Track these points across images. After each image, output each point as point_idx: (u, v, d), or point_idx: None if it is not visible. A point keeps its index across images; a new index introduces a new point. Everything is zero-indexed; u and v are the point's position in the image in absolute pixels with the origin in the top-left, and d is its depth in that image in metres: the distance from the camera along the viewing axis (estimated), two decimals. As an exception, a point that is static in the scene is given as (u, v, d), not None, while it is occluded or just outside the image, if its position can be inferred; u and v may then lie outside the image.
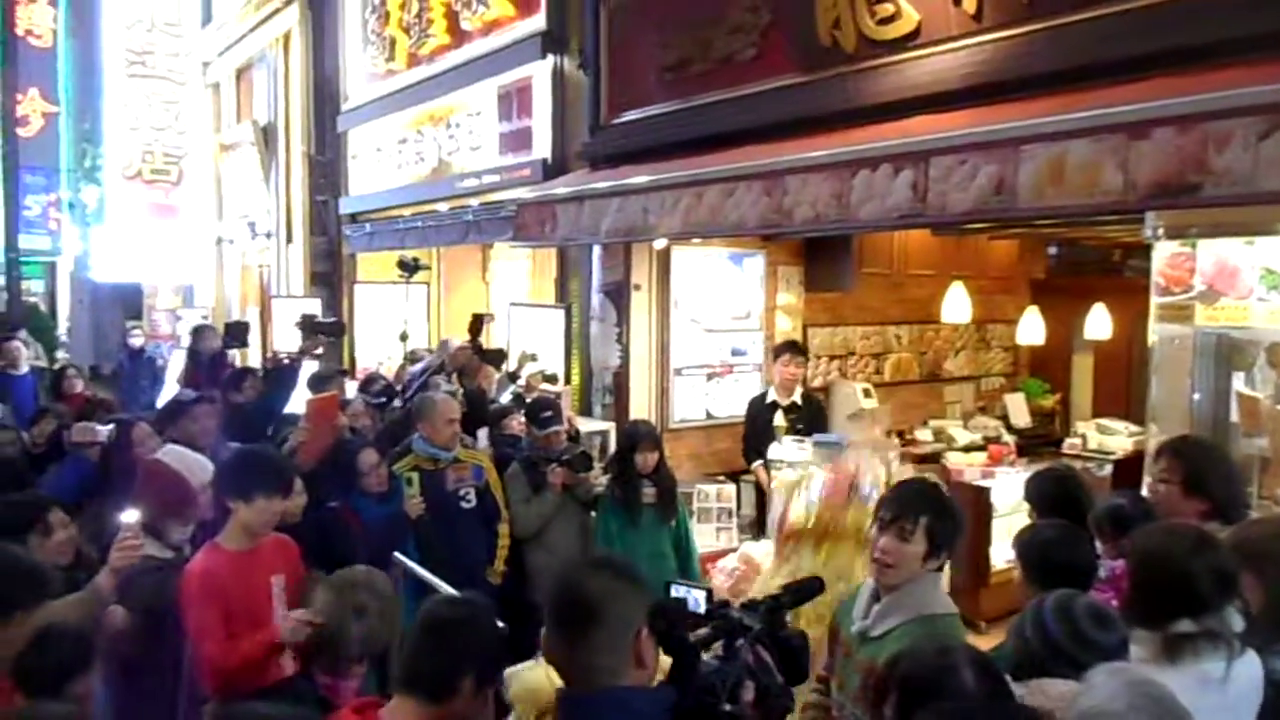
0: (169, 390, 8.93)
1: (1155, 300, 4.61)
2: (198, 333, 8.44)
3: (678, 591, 2.11)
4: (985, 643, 6.08)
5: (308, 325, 7.59)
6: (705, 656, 1.95)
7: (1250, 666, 2.33)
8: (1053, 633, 2.10)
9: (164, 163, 15.86)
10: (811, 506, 4.15)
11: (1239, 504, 3.16)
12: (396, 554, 3.49)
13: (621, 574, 1.88)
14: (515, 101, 7.88)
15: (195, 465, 3.78)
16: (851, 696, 2.55)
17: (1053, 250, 8.84)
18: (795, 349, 6.44)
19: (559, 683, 1.87)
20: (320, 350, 7.40)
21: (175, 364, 10.06)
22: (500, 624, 2.14)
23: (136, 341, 12.14)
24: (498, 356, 6.55)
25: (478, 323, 7.08)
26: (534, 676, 2.93)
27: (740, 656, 1.97)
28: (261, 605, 3.33)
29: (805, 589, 2.42)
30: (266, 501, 3.31)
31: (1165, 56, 3.56)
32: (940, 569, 2.59)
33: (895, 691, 1.89)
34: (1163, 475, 3.17)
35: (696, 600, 2.09)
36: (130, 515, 3.13)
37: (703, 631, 2.00)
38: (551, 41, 7.29)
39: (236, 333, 8.30)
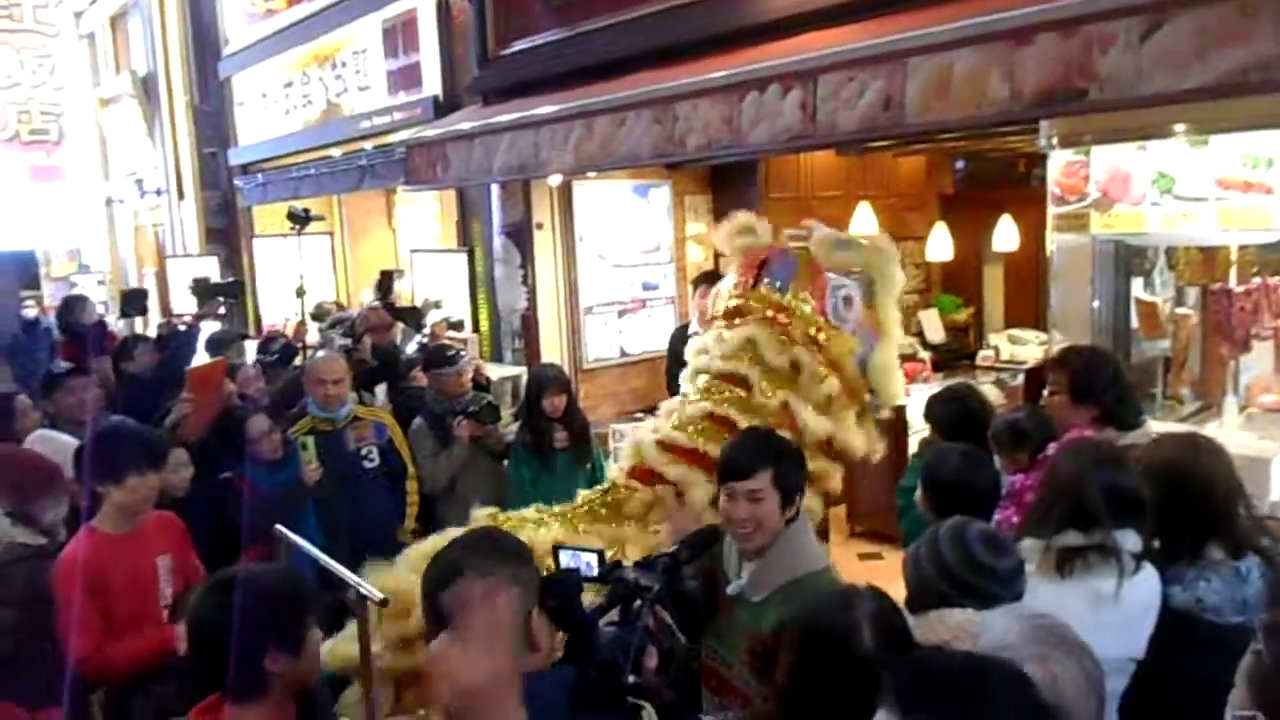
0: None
1: (1052, 210, 4.59)
2: (71, 303, 7.97)
3: (566, 558, 1.97)
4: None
5: (203, 288, 7.26)
6: (602, 624, 1.84)
7: (1145, 588, 2.32)
8: (948, 561, 2.06)
9: (42, 122, 14.94)
10: (720, 296, 3.80)
11: (1128, 407, 3.16)
12: (279, 528, 3.32)
13: (501, 551, 1.68)
14: (401, 36, 7.53)
15: (63, 447, 3.57)
16: (739, 659, 2.46)
17: (959, 165, 8.84)
18: (714, 279, 6.29)
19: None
20: (223, 311, 7.10)
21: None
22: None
23: (30, 313, 11.54)
24: (412, 314, 6.33)
25: (387, 280, 6.85)
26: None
27: (640, 621, 1.86)
28: (147, 589, 3.19)
29: (701, 540, 2.35)
30: (139, 479, 3.12)
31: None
32: (798, 515, 2.47)
33: (796, 650, 1.84)
34: (1053, 386, 3.19)
35: (589, 564, 1.96)
36: (-20, 511, 2.91)
37: (598, 599, 1.89)
38: (434, -30, 6.95)
39: (134, 301, 7.91)
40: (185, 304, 9.00)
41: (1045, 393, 3.29)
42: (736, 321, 3.48)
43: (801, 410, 3.21)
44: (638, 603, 1.90)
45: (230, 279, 7.91)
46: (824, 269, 3.45)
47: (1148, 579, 2.35)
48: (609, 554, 2.32)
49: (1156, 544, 2.45)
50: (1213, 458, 2.52)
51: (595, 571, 1.97)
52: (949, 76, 3.27)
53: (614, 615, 1.92)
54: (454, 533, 2.46)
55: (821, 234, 3.58)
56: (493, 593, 1.56)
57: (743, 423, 3.16)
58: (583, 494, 3.58)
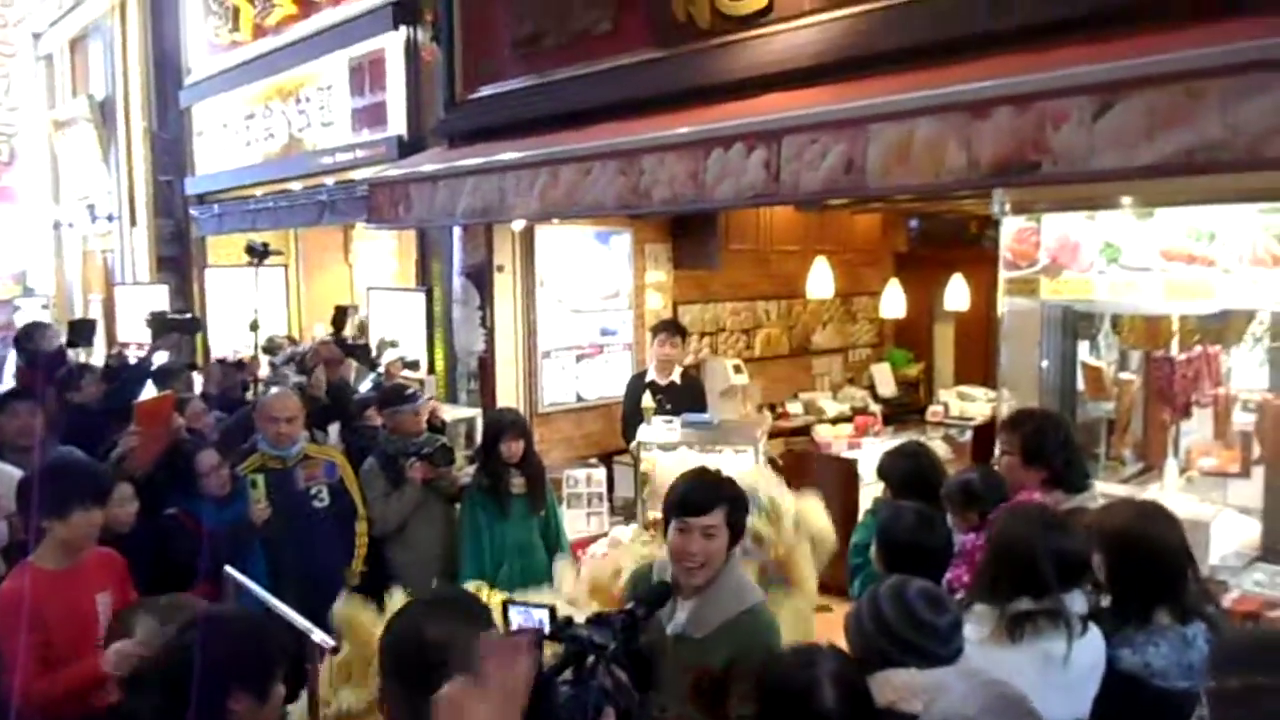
0: (7, 386, 8.27)
1: (1003, 274, 4.72)
2: (31, 330, 7.78)
3: (517, 613, 1.96)
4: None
5: (159, 322, 7.13)
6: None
7: (1091, 649, 2.37)
8: (889, 618, 2.09)
9: (-7, 141, 14.73)
10: None
11: (1076, 471, 3.24)
12: (227, 569, 3.26)
13: (463, 611, 1.71)
14: (368, 75, 7.54)
15: (6, 477, 3.47)
16: (679, 698, 2.48)
17: (913, 224, 9.05)
18: (673, 328, 6.37)
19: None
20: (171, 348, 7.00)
21: (12, 359, 9.34)
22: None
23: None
24: (364, 352, 6.28)
25: (341, 315, 6.78)
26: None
27: (595, 680, 1.85)
28: (86, 627, 3.10)
29: (657, 596, 2.37)
30: (84, 514, 3.07)
31: (1009, 34, 3.59)
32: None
33: (757, 703, 1.88)
34: (1004, 447, 3.28)
35: (540, 621, 1.95)
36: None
37: (552, 658, 1.87)
38: (403, 12, 6.98)
39: (82, 332, 7.72)
40: (133, 333, 8.86)
41: (997, 453, 3.37)
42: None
43: None
44: (590, 659, 1.88)
45: (188, 315, 7.76)
46: None
47: (1093, 640, 2.41)
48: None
49: (1105, 604, 2.51)
50: (1165, 525, 2.58)
51: (547, 628, 1.95)
52: (909, 143, 3.36)
53: (567, 674, 1.91)
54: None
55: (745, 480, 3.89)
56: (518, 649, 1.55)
57: None
58: None
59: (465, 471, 4.93)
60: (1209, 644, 2.42)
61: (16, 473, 3.76)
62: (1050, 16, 3.49)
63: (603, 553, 5.02)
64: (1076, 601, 2.36)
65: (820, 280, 7.92)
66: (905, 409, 8.56)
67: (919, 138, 3.32)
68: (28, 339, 7.59)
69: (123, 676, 2.84)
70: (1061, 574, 2.34)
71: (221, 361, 6.97)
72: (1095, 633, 2.41)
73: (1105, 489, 3.48)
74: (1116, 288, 4.35)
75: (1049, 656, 2.30)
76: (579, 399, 6.99)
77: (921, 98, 3.35)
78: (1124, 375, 5.03)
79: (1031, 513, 2.55)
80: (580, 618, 2.21)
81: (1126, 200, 4.22)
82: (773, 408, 7.92)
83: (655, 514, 4.45)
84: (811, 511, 4.19)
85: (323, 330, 9.78)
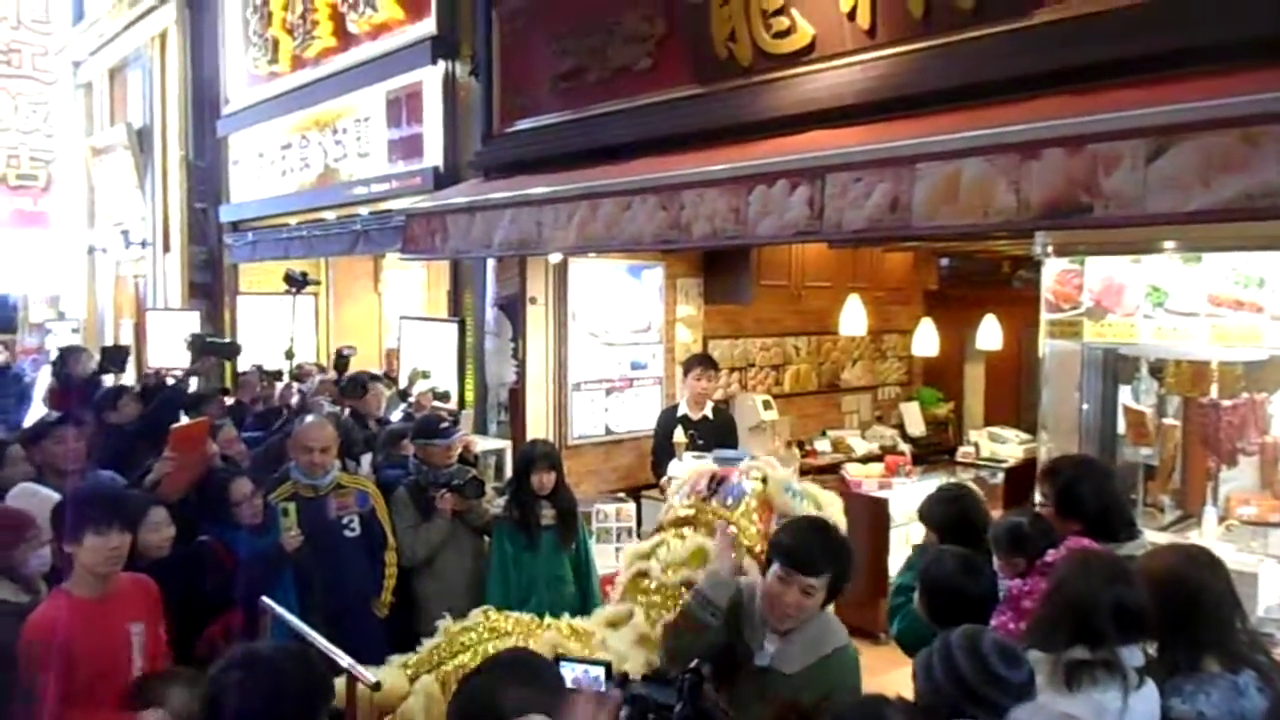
0: (36, 410, 8.35)
1: (1045, 316, 4.68)
2: (67, 354, 7.88)
3: (570, 669, 1.90)
4: (885, 653, 6.15)
5: (199, 345, 7.19)
6: None
7: (1147, 701, 2.32)
8: (963, 672, 2.07)
9: (31, 167, 15.00)
10: (673, 506, 4.21)
11: (1115, 520, 3.18)
12: (265, 599, 3.23)
13: (533, 678, 1.63)
14: (405, 108, 7.62)
15: (45, 502, 3.47)
16: None
17: (945, 262, 9.01)
18: (707, 362, 6.34)
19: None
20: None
21: (43, 381, 9.44)
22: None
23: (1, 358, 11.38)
24: (358, 391, 6.25)
25: (342, 360, 6.84)
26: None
27: None
28: (118, 656, 3.07)
29: (720, 653, 2.39)
30: (99, 539, 3.00)
31: (1058, 75, 3.58)
32: None
33: None
34: (1043, 498, 3.30)
35: (595, 679, 1.89)
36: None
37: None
38: (442, 46, 7.07)
39: (115, 358, 7.79)
40: (164, 358, 8.94)
41: (1038, 501, 3.33)
42: (685, 531, 3.87)
43: None
44: (650, 717, 1.85)
45: (228, 340, 7.82)
46: (773, 507, 3.84)
47: (1149, 694, 2.35)
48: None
49: (1153, 653, 2.45)
50: (1212, 570, 2.54)
51: (603, 687, 1.91)
52: (956, 183, 3.34)
53: None
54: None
55: (778, 474, 4.00)
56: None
57: None
58: None
59: (495, 503, 4.90)
60: (1261, 693, 2.37)
61: (55, 497, 3.77)
62: (1099, 58, 3.47)
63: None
64: (1134, 656, 2.31)
65: (853, 317, 7.88)
66: (934, 449, 8.47)
67: (967, 178, 3.30)
68: (63, 363, 7.68)
69: None
70: (1120, 626, 2.29)
71: (259, 369, 7.00)
72: (1151, 686, 2.36)
73: (1152, 539, 3.41)
74: (1162, 332, 4.30)
75: (1104, 709, 2.25)
76: (608, 432, 6.97)
77: (971, 137, 3.33)
78: (1167, 420, 4.95)
79: (1096, 562, 2.50)
80: (635, 673, 2.19)
81: (1171, 245, 4.18)
82: (801, 444, 7.86)
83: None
84: (831, 505, 4.12)
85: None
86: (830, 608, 2.76)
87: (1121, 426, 4.85)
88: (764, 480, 3.98)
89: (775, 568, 2.57)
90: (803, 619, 2.56)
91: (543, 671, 1.65)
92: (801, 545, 2.61)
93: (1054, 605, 2.43)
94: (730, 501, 3.88)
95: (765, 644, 2.58)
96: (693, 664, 2.16)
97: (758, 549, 3.60)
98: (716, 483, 3.99)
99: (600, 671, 1.90)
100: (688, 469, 5.45)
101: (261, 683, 1.79)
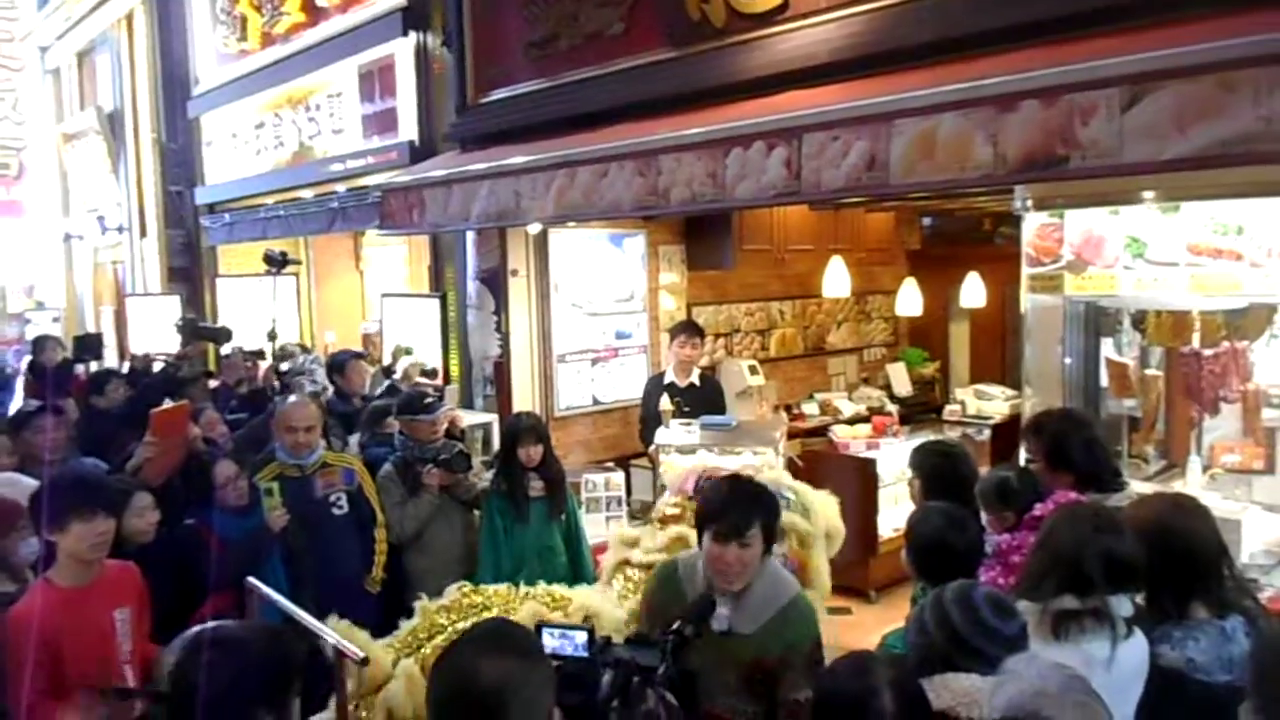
0: (18, 400, 8.30)
1: (1026, 271, 4.67)
2: (38, 344, 7.84)
3: (551, 637, 1.89)
4: (875, 612, 6.20)
5: (190, 329, 7.14)
6: None
7: (1136, 650, 2.33)
8: (956, 624, 2.08)
9: (2, 156, 14.79)
10: (663, 504, 4.32)
11: (1104, 471, 3.23)
12: (250, 579, 3.22)
13: (518, 650, 1.60)
14: (378, 81, 7.53)
15: (28, 491, 3.44)
16: (725, 691, 2.57)
17: (927, 221, 9.00)
18: (692, 329, 6.32)
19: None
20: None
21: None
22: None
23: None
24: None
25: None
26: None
27: (645, 705, 1.81)
28: (105, 644, 3.04)
29: (702, 611, 2.37)
30: (85, 525, 2.96)
31: (1034, 27, 3.54)
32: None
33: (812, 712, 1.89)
34: (1030, 453, 3.30)
35: (577, 644, 1.88)
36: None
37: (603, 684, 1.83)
38: (413, 17, 6.98)
39: (89, 345, 7.75)
40: (145, 343, 8.87)
41: (1022, 457, 3.34)
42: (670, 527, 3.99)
43: None
44: (637, 682, 1.84)
45: (220, 325, 7.77)
46: None
47: (1138, 643, 2.36)
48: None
49: (1141, 602, 2.47)
50: (1198, 517, 2.56)
51: (585, 651, 1.90)
52: (933, 139, 3.32)
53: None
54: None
55: (766, 476, 3.88)
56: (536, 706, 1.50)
57: None
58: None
59: (483, 476, 4.89)
60: (1249, 637, 2.38)
61: (35, 485, 3.74)
62: (1074, 8, 3.44)
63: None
64: (1123, 605, 2.31)
65: (836, 279, 7.88)
66: (921, 408, 8.51)
67: (943, 133, 3.28)
68: (39, 349, 7.65)
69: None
70: (1109, 576, 2.30)
71: (241, 350, 6.98)
72: (1139, 636, 2.37)
73: (1139, 490, 3.43)
74: (1142, 283, 4.31)
75: (1092, 658, 2.25)
76: (595, 402, 6.96)
77: (946, 92, 3.30)
78: (1150, 371, 4.97)
79: (1084, 513, 2.50)
80: (618, 636, 2.18)
81: (1149, 195, 4.17)
82: (788, 408, 7.88)
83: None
84: (825, 505, 4.17)
85: (333, 337, 9.83)
86: (774, 559, 2.79)
87: (1104, 379, 4.86)
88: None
89: (708, 534, 2.58)
90: (749, 575, 2.57)
91: (521, 640, 1.63)
92: (727, 502, 2.63)
93: (1043, 555, 2.44)
94: None
95: (719, 609, 2.57)
96: (675, 625, 2.14)
97: None
98: (704, 481, 3.99)
99: (582, 635, 1.89)
100: (674, 437, 5.48)
101: (228, 661, 1.76)
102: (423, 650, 3.19)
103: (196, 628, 1.96)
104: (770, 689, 2.58)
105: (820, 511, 4.17)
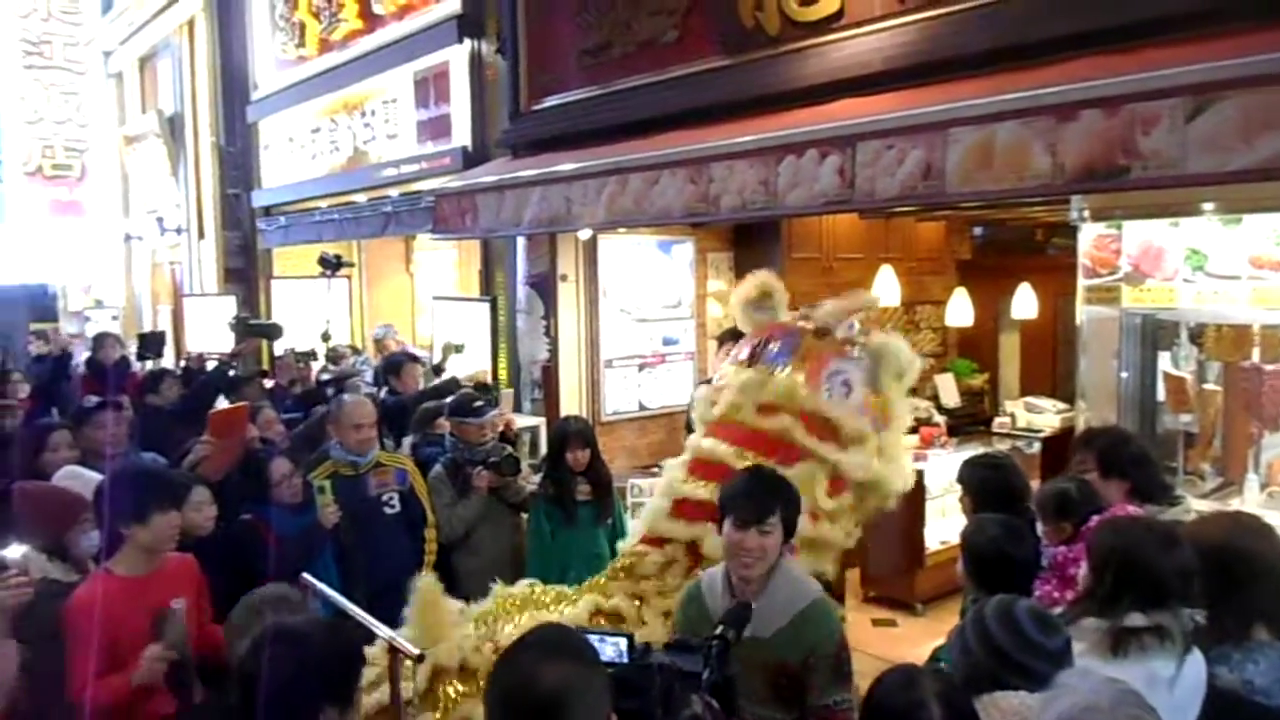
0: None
1: (1082, 282, 4.61)
2: (98, 340, 8.05)
3: (592, 643, 1.88)
4: (922, 624, 6.13)
5: (242, 327, 7.28)
6: None
7: (1195, 669, 2.28)
8: (999, 641, 2.05)
9: (65, 157, 15.18)
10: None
11: (1155, 484, 3.21)
12: (304, 575, 3.28)
13: (577, 655, 1.58)
14: (432, 88, 7.64)
15: (89, 484, 3.54)
16: (750, 698, 2.51)
17: (978, 231, 8.90)
18: (739, 336, 6.29)
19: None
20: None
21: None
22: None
23: (38, 349, 11.55)
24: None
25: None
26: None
27: (689, 710, 1.80)
28: (163, 631, 3.12)
29: (740, 616, 2.36)
30: (163, 517, 3.08)
31: (1094, 36, 3.51)
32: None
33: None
34: (1081, 466, 3.27)
35: (618, 651, 1.87)
36: (14, 551, 2.87)
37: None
38: (468, 25, 7.08)
39: (151, 344, 7.92)
40: (202, 343, 9.08)
41: (1076, 472, 3.30)
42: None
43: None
44: (679, 689, 1.83)
45: (272, 322, 7.92)
46: (828, 353, 3.46)
47: (1196, 661, 2.32)
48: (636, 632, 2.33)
49: (1202, 620, 2.42)
50: (1264, 539, 2.49)
51: (625, 658, 1.89)
52: (991, 148, 3.30)
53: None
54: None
55: (826, 309, 3.64)
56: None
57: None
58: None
59: (531, 480, 4.93)
60: None
61: (99, 479, 3.84)
62: (1136, 16, 3.40)
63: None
64: (1185, 620, 2.27)
65: (886, 288, 7.82)
66: (969, 420, 8.39)
67: (1001, 142, 3.26)
68: (98, 346, 7.86)
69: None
70: (1185, 592, 2.26)
71: (293, 351, 7.10)
72: (1197, 654, 2.32)
73: (1197, 507, 3.37)
74: (1203, 296, 4.23)
75: (1156, 676, 2.21)
76: (641, 408, 6.98)
77: (1005, 100, 3.28)
78: (1208, 386, 4.87)
79: (1147, 528, 2.45)
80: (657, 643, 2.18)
81: (1210, 206, 4.10)
82: (835, 418, 7.82)
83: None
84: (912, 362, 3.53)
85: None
86: (792, 560, 2.76)
87: (1161, 393, 4.78)
88: (817, 332, 3.57)
89: (728, 521, 2.59)
90: (767, 564, 2.57)
91: (579, 646, 1.63)
92: (747, 490, 2.63)
93: (1115, 572, 2.38)
94: (778, 363, 3.52)
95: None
96: (718, 629, 2.14)
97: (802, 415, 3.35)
98: (762, 345, 3.67)
99: (622, 642, 1.88)
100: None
101: (293, 655, 1.80)
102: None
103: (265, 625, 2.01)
104: (798, 695, 2.56)
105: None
